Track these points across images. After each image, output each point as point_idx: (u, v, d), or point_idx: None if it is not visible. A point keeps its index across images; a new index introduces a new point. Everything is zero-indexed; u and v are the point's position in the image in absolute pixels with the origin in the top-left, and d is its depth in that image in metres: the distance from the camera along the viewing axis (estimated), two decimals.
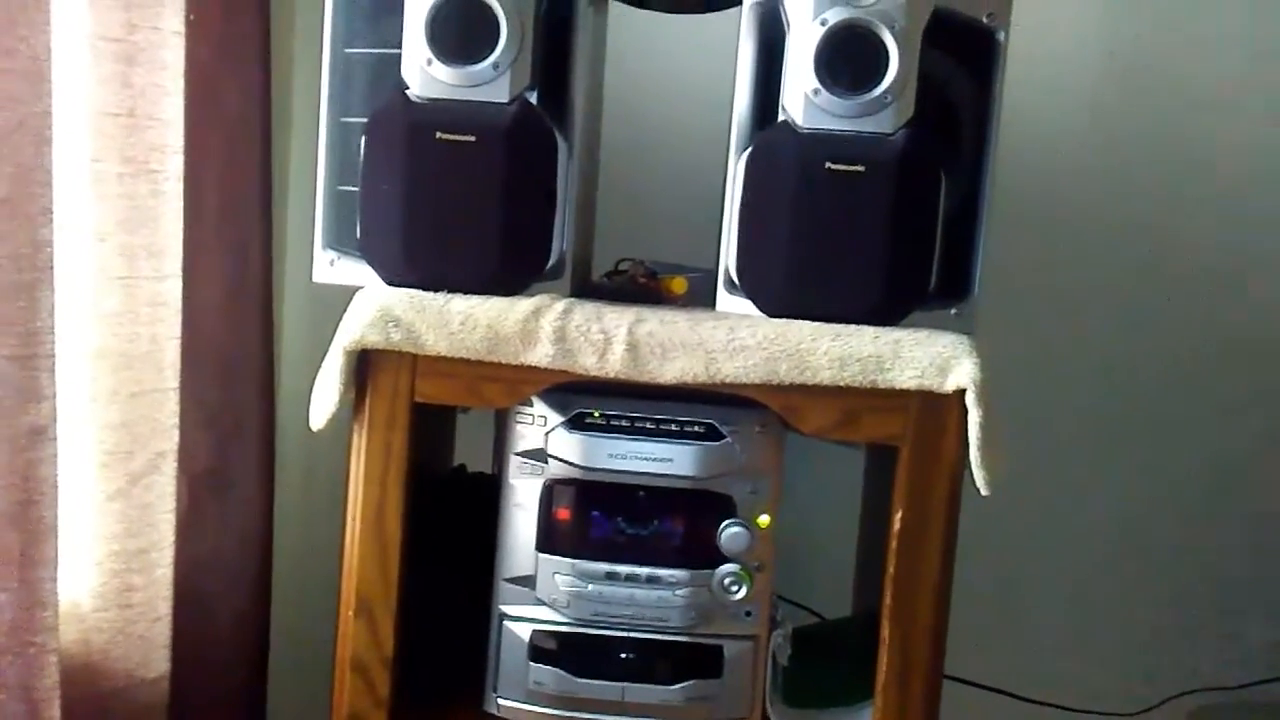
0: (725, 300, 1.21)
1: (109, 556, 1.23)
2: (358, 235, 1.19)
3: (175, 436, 1.26)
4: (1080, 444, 1.70)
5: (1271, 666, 1.67)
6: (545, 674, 1.21)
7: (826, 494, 1.56)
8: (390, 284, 1.18)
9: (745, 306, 1.20)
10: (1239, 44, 1.65)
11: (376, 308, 1.15)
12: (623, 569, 1.20)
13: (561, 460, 1.20)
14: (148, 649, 1.26)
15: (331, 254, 1.22)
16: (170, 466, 1.26)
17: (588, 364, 1.15)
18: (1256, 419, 1.70)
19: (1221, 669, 1.68)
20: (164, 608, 1.27)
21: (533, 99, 1.17)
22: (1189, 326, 1.68)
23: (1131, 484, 1.70)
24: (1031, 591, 1.71)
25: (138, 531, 1.25)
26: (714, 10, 1.37)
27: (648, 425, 1.19)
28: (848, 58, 1.15)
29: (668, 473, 1.19)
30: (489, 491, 1.24)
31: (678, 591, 1.20)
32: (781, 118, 1.17)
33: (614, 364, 1.15)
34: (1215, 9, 1.64)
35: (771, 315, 1.18)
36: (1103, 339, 1.69)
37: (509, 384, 1.17)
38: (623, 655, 1.21)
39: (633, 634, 1.21)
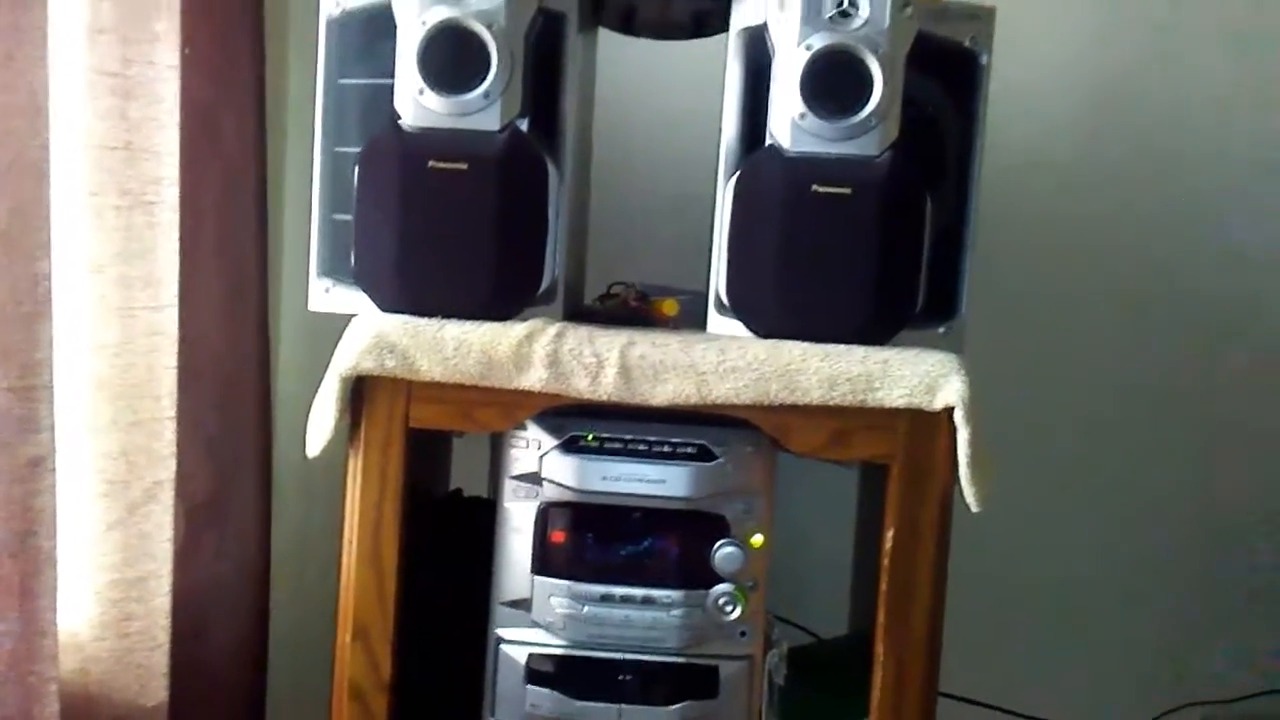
0: (716, 322, 1.23)
1: (108, 586, 1.24)
2: (352, 263, 1.20)
3: (173, 465, 1.26)
4: (1071, 459, 1.71)
5: (1269, 679, 1.67)
6: (542, 696, 1.21)
7: (821, 512, 1.57)
8: (385, 311, 1.19)
9: (736, 328, 1.21)
10: (1224, 66, 1.67)
11: (371, 335, 1.16)
12: (618, 590, 1.20)
13: (556, 483, 1.20)
14: (146, 677, 1.26)
15: (327, 282, 1.23)
16: (168, 495, 1.26)
17: (581, 387, 1.16)
18: (1250, 432, 1.71)
19: (1219, 682, 1.68)
20: (162, 636, 1.27)
21: (523, 127, 1.18)
22: (1177, 342, 1.69)
23: (1124, 498, 1.71)
24: (1026, 607, 1.71)
25: (136, 560, 1.25)
26: (701, 36, 1.38)
27: (640, 447, 1.20)
28: (833, 82, 1.16)
29: (661, 494, 1.20)
30: (485, 515, 1.25)
31: (673, 612, 1.21)
32: (769, 141, 1.19)
33: (606, 387, 1.16)
34: (1200, 31, 1.66)
35: (762, 336, 1.20)
36: (1090, 354, 1.70)
37: (503, 408, 1.18)
38: (619, 677, 1.21)
39: (629, 656, 1.21)
